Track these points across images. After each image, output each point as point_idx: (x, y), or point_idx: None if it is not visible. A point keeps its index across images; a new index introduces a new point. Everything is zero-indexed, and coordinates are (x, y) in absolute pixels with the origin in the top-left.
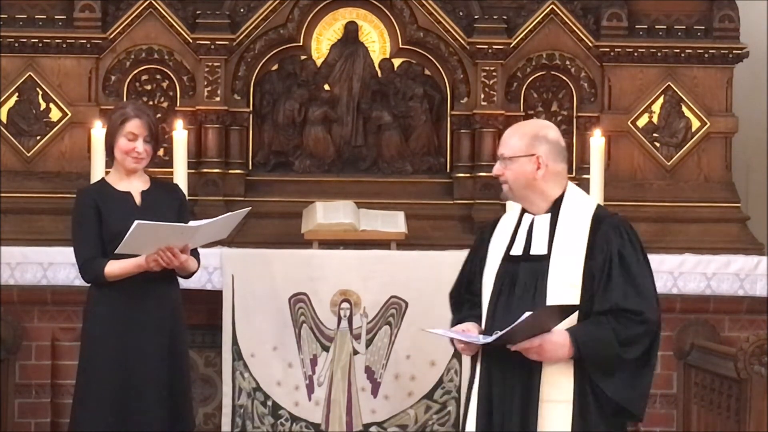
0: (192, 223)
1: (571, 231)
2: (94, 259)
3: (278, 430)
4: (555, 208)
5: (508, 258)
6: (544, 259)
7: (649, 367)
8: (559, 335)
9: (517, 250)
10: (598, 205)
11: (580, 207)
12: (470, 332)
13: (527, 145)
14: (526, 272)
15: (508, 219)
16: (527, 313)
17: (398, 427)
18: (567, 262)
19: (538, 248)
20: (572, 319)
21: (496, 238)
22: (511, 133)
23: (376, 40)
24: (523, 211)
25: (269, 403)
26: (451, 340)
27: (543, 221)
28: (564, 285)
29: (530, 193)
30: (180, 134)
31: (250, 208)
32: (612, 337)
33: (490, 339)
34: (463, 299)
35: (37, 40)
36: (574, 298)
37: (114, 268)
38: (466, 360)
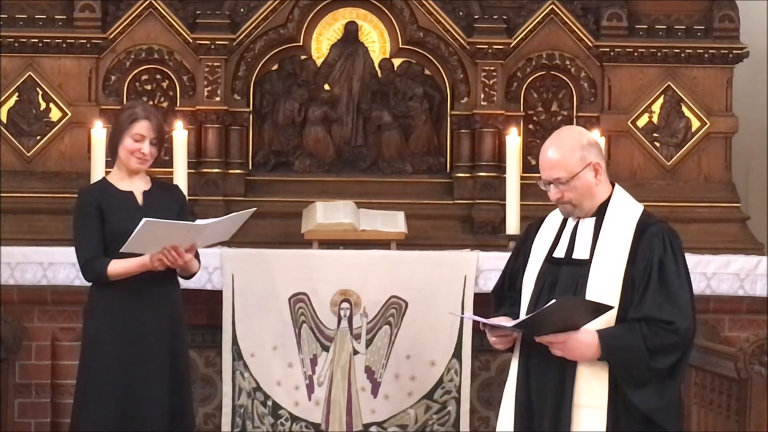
0: (199, 222)
1: (614, 237)
2: (95, 259)
3: (278, 430)
4: (600, 212)
5: (550, 260)
6: (586, 264)
7: (676, 380)
8: (587, 334)
9: (560, 252)
10: (644, 211)
11: (626, 212)
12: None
13: (580, 158)
14: (567, 276)
15: (553, 219)
16: (553, 301)
17: (398, 427)
18: (608, 268)
19: (581, 252)
20: (609, 323)
21: (540, 237)
22: (554, 154)
23: (376, 40)
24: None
25: (269, 403)
26: (485, 333)
27: (587, 225)
28: (603, 292)
29: (591, 201)
30: (180, 134)
31: (255, 209)
32: (641, 344)
33: (515, 322)
34: (505, 296)
35: (37, 40)
36: (612, 305)
37: (117, 267)
38: (466, 360)
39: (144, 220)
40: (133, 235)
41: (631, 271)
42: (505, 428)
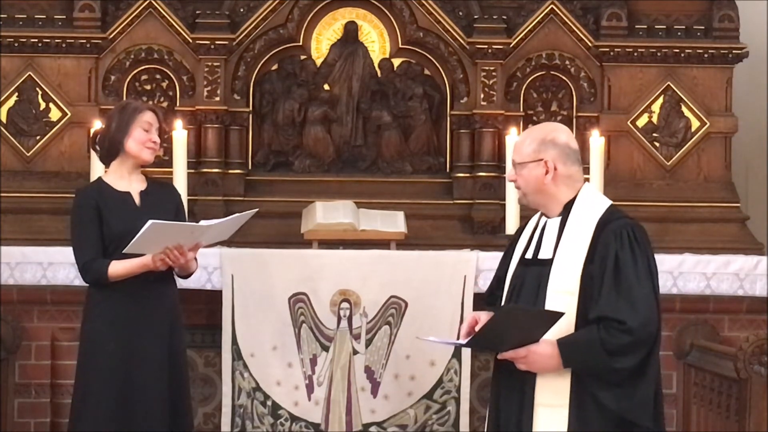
0: (203, 223)
1: (575, 235)
2: (95, 260)
3: (278, 430)
4: (566, 212)
5: (522, 261)
6: (548, 264)
7: (646, 377)
8: (546, 346)
9: (530, 253)
10: (609, 208)
11: (589, 210)
12: (480, 319)
13: (535, 150)
14: (532, 276)
15: (533, 221)
16: (492, 314)
17: (398, 427)
18: (568, 267)
19: (545, 252)
20: (569, 328)
21: (521, 239)
22: (521, 138)
23: (376, 40)
24: (542, 213)
25: (269, 402)
26: None
27: (553, 225)
28: (563, 291)
29: (542, 198)
30: (180, 134)
31: (257, 209)
32: (599, 348)
33: (463, 343)
34: (496, 297)
35: (36, 40)
36: (571, 304)
37: (118, 268)
38: (466, 360)
39: (150, 222)
40: (137, 236)
41: (590, 269)
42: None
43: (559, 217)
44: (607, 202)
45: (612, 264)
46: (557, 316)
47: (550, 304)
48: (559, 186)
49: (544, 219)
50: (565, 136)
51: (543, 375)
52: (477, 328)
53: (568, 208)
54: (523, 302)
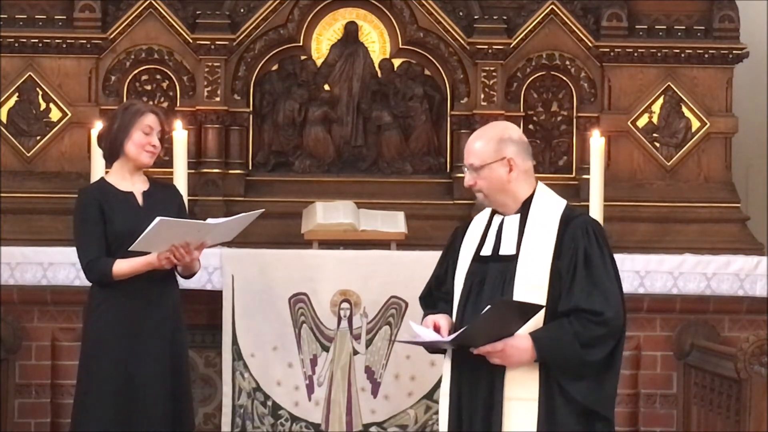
0: (210, 221)
1: (539, 232)
2: (99, 259)
3: (278, 430)
4: (524, 209)
5: (477, 258)
6: (513, 260)
7: (614, 369)
8: (522, 340)
9: (487, 250)
10: (567, 205)
11: (549, 207)
12: (441, 325)
13: (495, 149)
14: (495, 273)
15: (479, 219)
16: (488, 307)
17: (398, 427)
18: (534, 262)
19: (507, 249)
20: (538, 321)
21: (468, 238)
22: (474, 141)
23: (376, 40)
24: (494, 211)
25: (269, 403)
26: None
27: (512, 222)
28: (531, 285)
29: (504, 196)
30: (180, 134)
31: (263, 210)
32: (573, 340)
33: (450, 338)
34: (436, 298)
35: (37, 40)
36: (540, 298)
37: (122, 267)
38: None
39: (158, 218)
40: (145, 233)
41: (557, 264)
42: (443, 428)
43: (518, 214)
44: (564, 201)
45: (582, 259)
46: (536, 309)
47: (519, 299)
48: (520, 182)
49: (498, 216)
50: (516, 131)
51: (512, 369)
52: (443, 331)
53: (526, 204)
54: (487, 298)
